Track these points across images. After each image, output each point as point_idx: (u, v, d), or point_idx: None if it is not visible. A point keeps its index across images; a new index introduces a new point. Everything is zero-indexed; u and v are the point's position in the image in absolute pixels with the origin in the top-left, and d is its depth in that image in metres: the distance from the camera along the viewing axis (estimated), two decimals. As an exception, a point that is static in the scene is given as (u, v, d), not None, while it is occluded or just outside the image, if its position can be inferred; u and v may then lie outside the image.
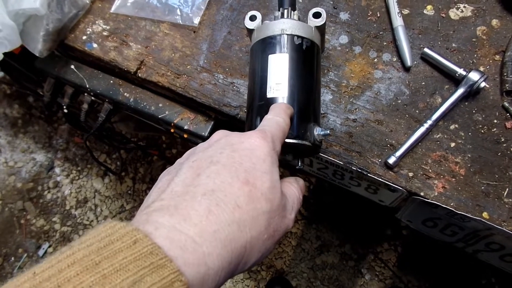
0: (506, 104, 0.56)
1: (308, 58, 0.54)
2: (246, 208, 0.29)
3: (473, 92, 0.57)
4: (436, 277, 1.40)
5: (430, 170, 0.56)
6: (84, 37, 0.72)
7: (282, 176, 0.38)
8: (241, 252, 0.28)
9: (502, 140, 0.55)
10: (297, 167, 0.55)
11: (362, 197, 0.71)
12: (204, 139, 0.70)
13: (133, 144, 1.73)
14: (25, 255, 1.74)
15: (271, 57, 0.53)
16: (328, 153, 0.59)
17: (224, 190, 0.29)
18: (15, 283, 0.22)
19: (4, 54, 0.66)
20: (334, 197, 1.54)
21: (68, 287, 0.21)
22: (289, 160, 0.51)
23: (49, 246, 1.75)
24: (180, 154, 1.86)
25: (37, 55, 0.69)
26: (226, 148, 0.33)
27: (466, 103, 0.58)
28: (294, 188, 0.37)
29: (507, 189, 0.53)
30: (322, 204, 1.56)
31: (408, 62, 0.60)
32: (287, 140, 0.50)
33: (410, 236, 1.46)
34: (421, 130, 0.56)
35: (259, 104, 0.53)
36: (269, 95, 0.51)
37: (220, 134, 0.37)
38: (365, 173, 0.57)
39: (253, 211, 0.30)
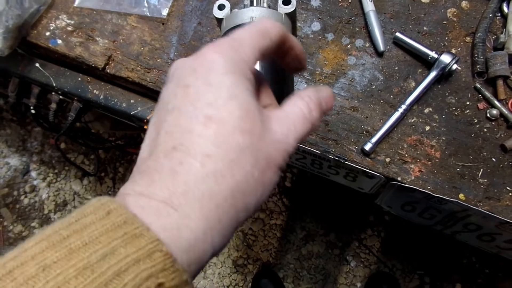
0: (478, 86, 0.56)
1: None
2: (219, 154, 0.24)
3: (445, 75, 0.57)
4: (419, 259, 1.42)
5: (406, 155, 0.56)
6: (48, 33, 0.69)
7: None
8: (231, 203, 0.24)
9: (475, 121, 0.56)
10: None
11: (343, 185, 0.71)
12: (179, 134, 0.68)
13: (111, 143, 1.69)
14: (4, 263, 1.69)
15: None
16: (305, 142, 0.58)
17: (185, 142, 0.25)
18: None
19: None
20: (316, 187, 1.54)
21: (30, 264, 0.19)
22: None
23: (29, 253, 1.70)
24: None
25: (-3, 53, 0.66)
26: (179, 85, 0.27)
27: (439, 86, 0.58)
28: (301, 105, 0.29)
29: (482, 170, 0.54)
30: (306, 194, 1.56)
31: (381, 47, 0.59)
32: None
33: (392, 222, 1.48)
34: (396, 115, 0.56)
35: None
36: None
37: (174, 66, 0.30)
38: (342, 160, 0.56)
39: (228, 154, 0.24)
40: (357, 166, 0.56)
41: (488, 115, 0.55)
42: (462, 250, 1.40)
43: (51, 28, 0.69)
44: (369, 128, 0.58)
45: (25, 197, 1.80)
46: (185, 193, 0.23)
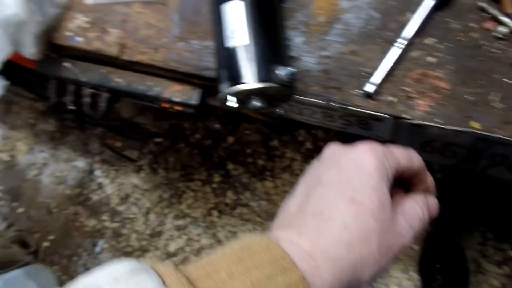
0: (482, 4, 0.52)
1: (265, 0, 0.54)
2: (354, 229, 0.30)
3: (445, 0, 0.53)
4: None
5: (412, 91, 0.54)
6: (68, 33, 0.76)
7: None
8: (352, 271, 0.30)
9: (483, 43, 0.52)
10: (277, 112, 0.56)
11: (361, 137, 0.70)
12: (194, 107, 0.71)
13: (159, 135, 1.80)
14: (86, 253, 1.89)
15: (226, 6, 0.53)
16: (308, 94, 0.59)
17: (330, 211, 0.31)
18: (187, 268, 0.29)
19: (7, 64, 0.72)
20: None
21: (221, 272, 0.27)
22: (264, 107, 0.51)
23: (105, 243, 1.89)
24: (204, 138, 1.88)
25: (31, 58, 0.74)
26: (333, 167, 0.34)
27: (441, 14, 0.54)
28: (418, 208, 0.35)
29: (495, 94, 0.50)
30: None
31: (374, -16, 0.57)
32: (254, 86, 0.51)
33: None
34: (395, 51, 0.54)
35: (223, 55, 0.53)
36: (231, 44, 0.52)
37: (331, 149, 0.37)
38: (345, 107, 0.56)
39: (361, 232, 0.30)
40: (362, 110, 0.56)
41: (496, 34, 0.51)
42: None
43: (71, 28, 0.76)
44: (370, 70, 0.56)
45: (94, 194, 1.99)
46: (323, 251, 0.30)
